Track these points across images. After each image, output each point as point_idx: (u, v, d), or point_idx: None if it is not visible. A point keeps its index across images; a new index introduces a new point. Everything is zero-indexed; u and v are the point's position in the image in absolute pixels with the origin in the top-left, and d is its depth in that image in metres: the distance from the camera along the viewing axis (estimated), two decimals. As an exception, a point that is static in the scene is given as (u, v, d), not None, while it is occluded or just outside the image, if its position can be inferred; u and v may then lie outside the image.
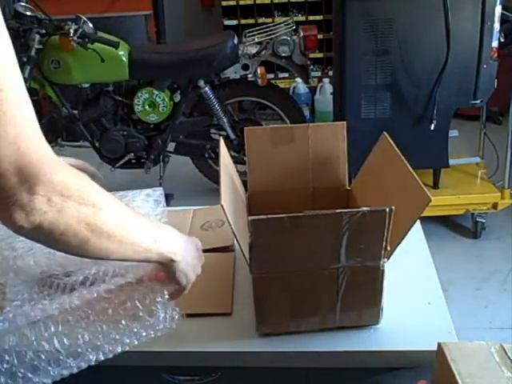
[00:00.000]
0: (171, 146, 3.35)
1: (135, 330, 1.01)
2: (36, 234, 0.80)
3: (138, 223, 0.93)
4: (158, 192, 1.29)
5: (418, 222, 1.35)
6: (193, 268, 1.04)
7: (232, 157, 1.44)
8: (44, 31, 2.96)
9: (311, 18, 4.42)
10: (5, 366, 0.94)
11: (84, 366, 0.98)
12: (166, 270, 1.01)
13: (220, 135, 3.29)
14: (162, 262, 0.98)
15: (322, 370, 1.15)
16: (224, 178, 1.13)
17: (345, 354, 1.12)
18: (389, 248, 1.06)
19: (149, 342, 1.14)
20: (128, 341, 1.00)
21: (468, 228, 3.08)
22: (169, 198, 3.05)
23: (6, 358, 0.94)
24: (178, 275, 1.02)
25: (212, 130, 3.38)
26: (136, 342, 1.01)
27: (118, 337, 0.99)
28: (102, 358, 0.99)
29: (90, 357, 0.98)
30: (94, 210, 0.83)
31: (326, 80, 4.32)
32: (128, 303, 1.01)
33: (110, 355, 0.99)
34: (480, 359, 0.88)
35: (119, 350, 1.00)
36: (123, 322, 1.00)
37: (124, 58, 3.06)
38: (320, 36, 3.90)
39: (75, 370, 0.97)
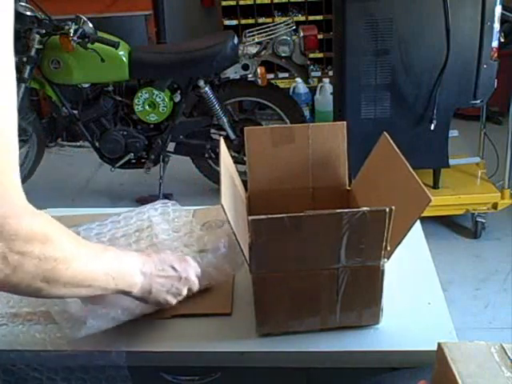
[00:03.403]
0: (171, 146, 3.35)
1: None
2: None
3: (99, 265, 0.91)
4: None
5: (418, 222, 1.35)
6: (167, 291, 1.07)
7: (232, 157, 1.44)
8: (44, 31, 2.97)
9: (311, 18, 4.42)
10: None
11: None
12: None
13: (220, 135, 3.30)
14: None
15: (322, 370, 1.14)
16: (224, 178, 1.13)
17: (345, 354, 1.11)
18: (389, 248, 1.06)
19: (149, 342, 1.14)
20: None
21: (468, 228, 3.07)
22: (168, 198, 3.04)
23: None
24: (148, 301, 1.06)
25: (212, 130, 3.38)
26: None
27: None
28: None
29: None
30: (53, 265, 0.80)
31: (326, 80, 4.32)
32: None
33: None
34: (480, 359, 0.88)
35: None
36: None
37: (124, 58, 3.06)
38: (320, 36, 3.90)
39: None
